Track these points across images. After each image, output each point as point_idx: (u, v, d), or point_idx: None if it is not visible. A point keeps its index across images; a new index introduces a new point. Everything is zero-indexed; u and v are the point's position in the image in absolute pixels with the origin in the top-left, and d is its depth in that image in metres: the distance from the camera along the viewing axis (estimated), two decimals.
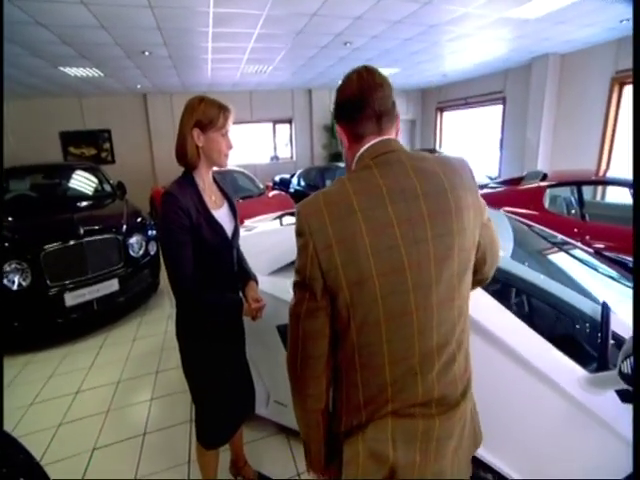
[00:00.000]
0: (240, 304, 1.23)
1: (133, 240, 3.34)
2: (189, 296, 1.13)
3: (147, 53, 4.31)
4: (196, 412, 1.29)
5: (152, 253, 3.51)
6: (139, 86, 6.41)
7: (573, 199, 3.30)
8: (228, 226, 1.21)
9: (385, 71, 7.10)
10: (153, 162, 7.55)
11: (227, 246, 1.20)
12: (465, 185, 0.71)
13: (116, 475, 1.71)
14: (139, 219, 3.61)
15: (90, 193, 4.21)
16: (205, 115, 1.10)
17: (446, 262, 0.67)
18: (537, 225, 2.13)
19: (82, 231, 3.07)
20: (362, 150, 0.72)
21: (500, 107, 6.90)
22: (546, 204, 3.33)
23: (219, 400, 1.26)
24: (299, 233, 0.68)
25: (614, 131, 5.11)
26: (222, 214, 1.20)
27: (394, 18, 3.57)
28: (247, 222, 2.76)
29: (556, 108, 5.74)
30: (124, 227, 3.33)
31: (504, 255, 1.37)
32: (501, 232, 1.64)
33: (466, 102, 7.70)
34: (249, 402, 1.41)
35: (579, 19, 3.81)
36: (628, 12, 3.53)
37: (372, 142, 0.71)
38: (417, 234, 0.65)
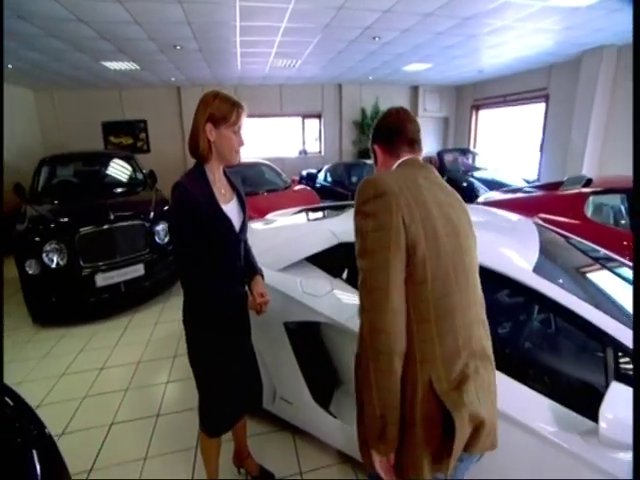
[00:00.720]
0: (244, 297, 1.25)
1: (159, 227, 3.49)
2: (194, 285, 1.16)
3: (178, 47, 4.44)
4: (199, 399, 1.33)
5: None
6: (173, 79, 6.64)
7: (623, 208, 3.00)
8: (236, 220, 1.22)
9: (417, 67, 6.81)
10: (185, 152, 7.82)
11: (234, 240, 1.22)
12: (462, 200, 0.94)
13: (129, 451, 1.81)
14: (166, 207, 3.74)
15: (124, 180, 4.45)
16: (218, 110, 1.11)
17: (473, 240, 0.89)
18: (576, 237, 1.93)
19: (112, 216, 3.25)
20: (404, 159, 0.92)
21: (542, 105, 6.46)
22: (589, 212, 3.07)
23: (221, 388, 1.29)
24: (381, 194, 0.77)
25: None
26: (231, 208, 1.22)
27: (425, 10, 3.41)
28: (269, 215, 2.78)
29: (609, 107, 5.22)
30: (151, 214, 3.49)
31: (525, 268, 1.26)
32: (525, 241, 1.53)
33: (504, 100, 7.28)
34: (253, 394, 1.42)
35: None
36: None
37: (408, 156, 0.93)
38: (456, 214, 0.85)
